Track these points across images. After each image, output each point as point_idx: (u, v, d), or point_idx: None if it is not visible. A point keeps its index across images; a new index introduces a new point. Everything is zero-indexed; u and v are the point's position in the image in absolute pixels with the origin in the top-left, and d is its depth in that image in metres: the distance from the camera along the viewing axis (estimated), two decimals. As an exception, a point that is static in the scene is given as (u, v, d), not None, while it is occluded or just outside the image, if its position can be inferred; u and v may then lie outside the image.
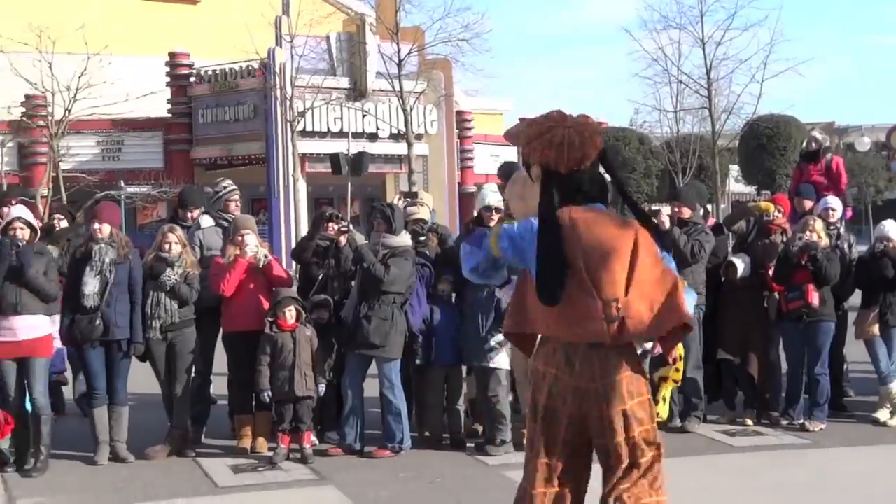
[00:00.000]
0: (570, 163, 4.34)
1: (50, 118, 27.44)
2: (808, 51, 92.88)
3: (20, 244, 7.67)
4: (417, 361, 8.39)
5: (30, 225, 7.88)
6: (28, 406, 7.78)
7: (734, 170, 41.39)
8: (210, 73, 30.59)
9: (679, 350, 4.77)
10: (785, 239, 9.33)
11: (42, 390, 7.73)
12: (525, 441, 4.54)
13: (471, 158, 34.87)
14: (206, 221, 9.16)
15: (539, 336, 4.45)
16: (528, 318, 4.39)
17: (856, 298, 9.61)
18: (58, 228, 10.10)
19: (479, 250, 4.47)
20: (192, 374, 8.41)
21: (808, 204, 10.31)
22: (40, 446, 7.68)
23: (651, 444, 4.34)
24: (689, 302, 4.37)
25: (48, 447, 7.74)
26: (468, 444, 8.42)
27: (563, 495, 4.40)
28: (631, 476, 4.30)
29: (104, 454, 7.95)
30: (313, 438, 8.21)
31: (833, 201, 10.08)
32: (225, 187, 9.46)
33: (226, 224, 9.04)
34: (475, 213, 9.46)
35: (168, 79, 30.99)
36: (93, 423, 8.04)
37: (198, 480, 7.55)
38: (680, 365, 5.77)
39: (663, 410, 5.08)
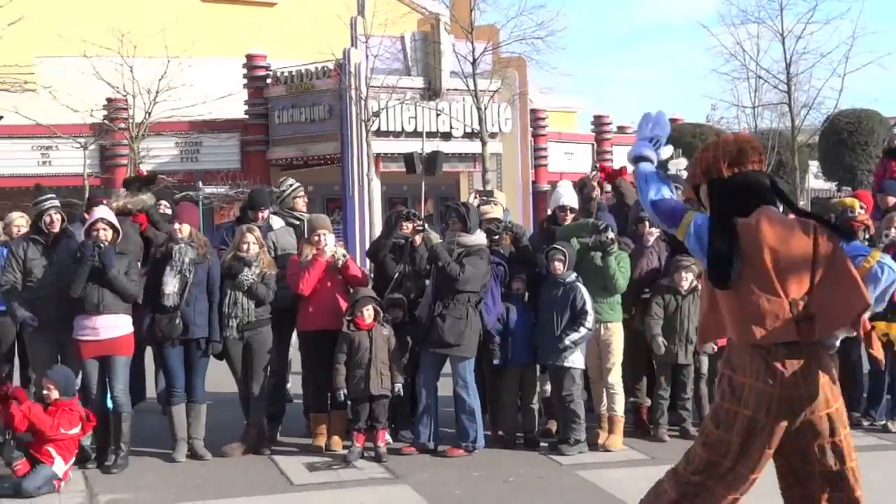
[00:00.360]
0: (730, 163, 4.48)
1: (131, 121, 28.01)
2: (891, 43, 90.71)
3: (102, 245, 7.82)
4: (495, 362, 8.38)
5: (112, 226, 8.02)
6: (109, 403, 7.94)
7: (814, 166, 40.58)
8: (286, 74, 30.90)
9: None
10: (868, 236, 9.12)
11: (123, 388, 7.88)
12: (705, 443, 4.49)
13: (545, 157, 34.71)
14: (277, 222, 9.22)
15: (729, 346, 4.48)
16: (720, 323, 4.46)
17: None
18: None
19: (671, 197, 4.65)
20: (268, 373, 8.49)
21: (892, 200, 10.08)
22: (121, 443, 7.83)
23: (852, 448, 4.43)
24: (889, 280, 4.42)
25: (128, 444, 7.89)
26: (542, 444, 8.39)
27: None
28: (845, 482, 4.37)
29: (182, 451, 8.08)
30: (387, 437, 8.25)
31: None
32: (290, 185, 9.51)
33: (296, 222, 9.10)
34: (549, 212, 9.42)
35: (245, 80, 31.39)
36: (171, 421, 8.18)
37: (273, 478, 7.63)
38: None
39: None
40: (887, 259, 4.59)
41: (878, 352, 4.77)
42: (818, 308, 4.30)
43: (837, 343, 4.55)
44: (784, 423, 4.31)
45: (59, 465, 7.30)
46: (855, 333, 4.53)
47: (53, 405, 7.40)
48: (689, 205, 4.68)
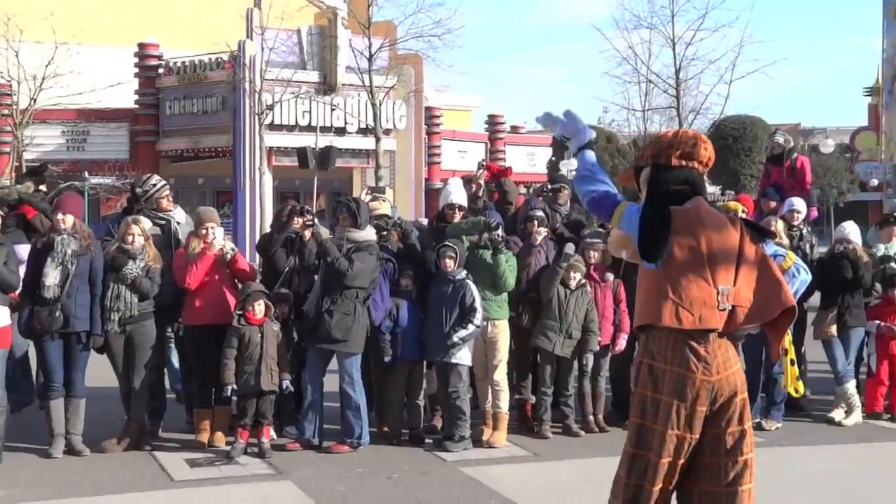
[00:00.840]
0: (682, 155, 4.58)
1: (15, 107, 27.17)
2: (776, 53, 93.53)
3: None
4: (386, 359, 8.37)
5: (-10, 212, 7.81)
6: (-17, 397, 7.69)
7: (701, 170, 41.61)
8: (179, 64, 30.38)
9: (789, 346, 4.87)
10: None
11: (-1, 382, 7.65)
12: (631, 437, 4.52)
13: (438, 154, 34.86)
14: (145, 223, 8.90)
15: (647, 333, 4.52)
16: (652, 309, 4.46)
17: (815, 299, 9.69)
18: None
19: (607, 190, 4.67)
20: (150, 369, 8.33)
21: (773, 204, 10.40)
22: (-5, 438, 7.60)
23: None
24: (803, 281, 4.48)
25: (2, 439, 7.66)
26: (427, 440, 8.42)
27: (669, 494, 4.50)
28: (746, 475, 4.43)
29: (60, 447, 7.88)
30: (272, 433, 8.18)
31: (798, 203, 10.16)
32: (154, 184, 9.03)
33: (161, 222, 8.86)
34: (439, 209, 9.47)
35: (136, 69, 30.75)
36: (49, 416, 7.96)
37: (154, 474, 7.50)
38: (787, 366, 5.70)
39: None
40: (801, 262, 4.75)
41: (778, 353, 4.91)
42: (739, 301, 4.42)
43: (744, 337, 4.67)
44: (704, 408, 4.40)
45: (-72, 461, 7.05)
46: (758, 331, 4.67)
47: (-77, 399, 7.15)
48: (621, 197, 4.74)
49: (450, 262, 8.36)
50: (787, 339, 4.91)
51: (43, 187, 9.35)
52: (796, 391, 4.95)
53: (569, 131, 4.85)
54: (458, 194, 9.15)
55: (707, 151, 4.64)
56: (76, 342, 7.98)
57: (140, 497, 6.98)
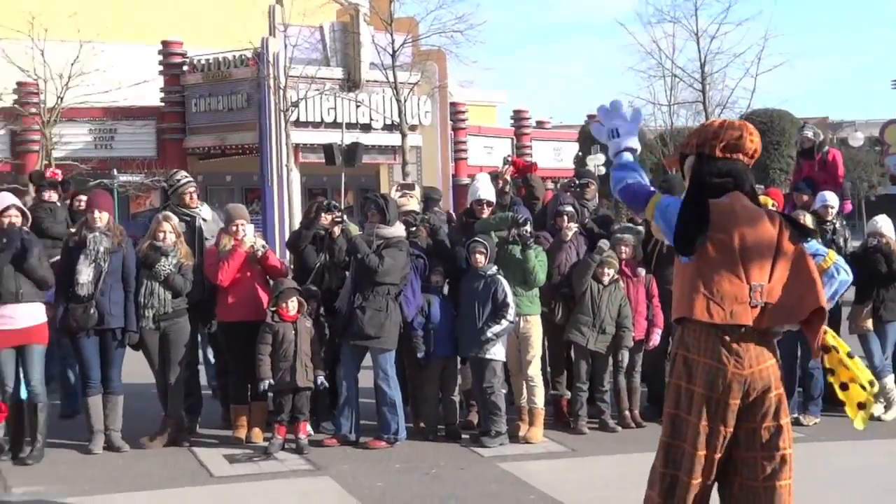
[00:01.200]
0: (726, 147, 4.53)
1: (42, 106, 27.35)
2: (802, 46, 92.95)
3: (26, 233, 7.66)
4: (419, 355, 8.38)
5: (23, 212, 7.86)
6: (23, 394, 7.76)
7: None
8: (203, 61, 30.50)
9: (836, 342, 4.78)
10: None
11: (39, 378, 7.72)
12: (666, 427, 4.53)
13: (464, 150, 34.88)
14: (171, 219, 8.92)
15: (683, 325, 4.50)
16: (686, 302, 4.46)
17: (850, 293, 9.62)
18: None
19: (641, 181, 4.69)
20: (185, 365, 8.38)
21: (805, 199, 10.34)
22: (37, 434, 7.67)
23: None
24: (842, 282, 4.60)
25: (44, 435, 7.73)
26: (463, 436, 8.43)
27: (709, 488, 4.49)
28: (785, 471, 4.41)
29: (99, 443, 7.94)
30: (309, 429, 8.21)
31: (830, 198, 10.08)
32: (178, 180, 9.09)
33: (187, 218, 8.89)
34: (468, 206, 9.47)
35: (161, 67, 30.88)
36: (87, 412, 8.03)
37: (193, 470, 7.54)
38: (847, 360, 5.62)
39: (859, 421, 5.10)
40: (841, 261, 4.71)
41: (818, 352, 4.87)
42: (774, 298, 4.40)
43: (781, 333, 4.65)
44: (736, 402, 4.39)
45: (-29, 458, 7.13)
46: (798, 328, 4.64)
47: (-37, 396, 7.22)
48: (655, 188, 4.73)
49: (480, 258, 8.36)
50: (830, 336, 4.83)
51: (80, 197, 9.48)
52: (870, 384, 4.86)
53: (624, 129, 4.83)
54: (486, 190, 9.15)
55: (753, 143, 4.60)
56: (111, 339, 8.04)
57: (181, 493, 7.02)
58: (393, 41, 27.82)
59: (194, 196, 9.05)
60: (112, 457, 7.85)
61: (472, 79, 35.47)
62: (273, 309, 8.13)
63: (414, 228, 8.83)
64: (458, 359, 8.65)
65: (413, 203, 9.48)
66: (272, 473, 7.44)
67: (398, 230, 8.43)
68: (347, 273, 8.53)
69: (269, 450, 7.90)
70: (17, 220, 7.75)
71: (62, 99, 26.85)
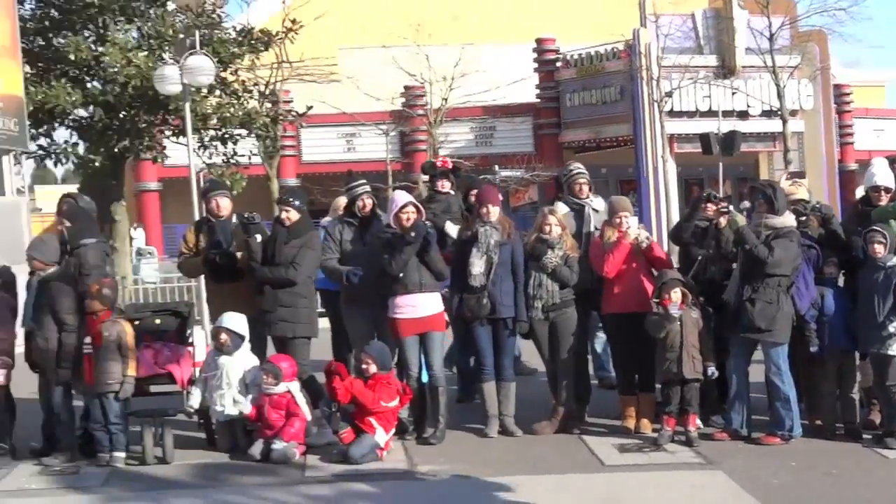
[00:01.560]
0: None
1: (428, 107, 29.03)
2: None
3: (430, 228, 8.18)
4: (812, 349, 8.05)
5: (418, 208, 8.35)
6: (425, 378, 8.26)
7: None
8: (576, 57, 31.01)
9: None
10: None
11: (440, 363, 8.20)
12: None
13: (850, 134, 33.05)
14: (562, 207, 9.12)
15: None
16: None
17: None
18: None
19: None
20: (574, 354, 8.54)
21: None
22: (439, 416, 8.14)
23: None
24: None
25: (445, 418, 8.19)
26: (865, 436, 7.98)
27: None
28: None
29: (494, 427, 8.29)
30: (698, 422, 8.11)
31: None
32: (571, 170, 9.24)
33: (576, 207, 9.00)
34: (862, 193, 8.95)
35: (535, 65, 31.74)
36: (483, 398, 8.40)
37: (585, 458, 7.68)
38: None
39: None
40: None
41: None
42: None
43: None
44: None
45: (381, 436, 7.69)
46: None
47: (373, 379, 7.79)
48: None
49: (879, 248, 7.86)
50: None
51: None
52: None
53: None
54: (882, 176, 8.59)
55: None
56: (503, 328, 8.35)
57: (577, 479, 7.16)
58: (770, 24, 26.85)
59: (584, 187, 9.17)
60: (507, 441, 8.15)
61: (857, 58, 33.57)
62: (657, 300, 8.10)
63: (804, 218, 8.48)
64: (857, 354, 8.20)
65: (802, 192, 9.09)
66: (663, 465, 7.43)
67: (787, 220, 8.13)
68: (733, 265, 8.34)
69: (658, 441, 7.89)
70: (416, 217, 8.24)
71: (446, 100, 28.36)
